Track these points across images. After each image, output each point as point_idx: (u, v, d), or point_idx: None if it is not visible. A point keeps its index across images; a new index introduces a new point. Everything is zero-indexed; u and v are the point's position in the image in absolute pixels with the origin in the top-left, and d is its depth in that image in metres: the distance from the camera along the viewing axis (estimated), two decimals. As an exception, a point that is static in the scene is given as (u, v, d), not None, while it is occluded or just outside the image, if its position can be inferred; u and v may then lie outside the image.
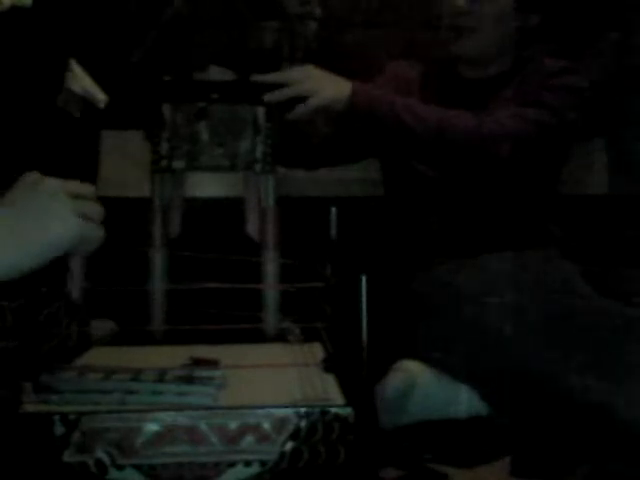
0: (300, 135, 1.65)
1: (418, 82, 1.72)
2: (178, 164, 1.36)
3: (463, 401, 1.37)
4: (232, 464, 0.86)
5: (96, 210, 0.88)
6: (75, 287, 1.01)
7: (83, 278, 1.08)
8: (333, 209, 1.19)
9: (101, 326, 1.23)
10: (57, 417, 0.85)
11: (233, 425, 0.86)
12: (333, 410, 0.88)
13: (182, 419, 0.86)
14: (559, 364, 1.30)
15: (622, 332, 1.32)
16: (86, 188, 0.88)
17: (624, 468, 1.23)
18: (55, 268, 1.03)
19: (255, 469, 0.86)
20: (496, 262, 1.44)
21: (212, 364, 1.05)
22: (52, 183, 0.85)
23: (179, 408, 0.88)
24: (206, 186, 1.70)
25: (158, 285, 1.33)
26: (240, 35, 1.52)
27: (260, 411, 0.87)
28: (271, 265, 1.35)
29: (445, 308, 1.40)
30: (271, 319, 1.33)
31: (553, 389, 1.30)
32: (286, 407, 0.88)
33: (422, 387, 1.37)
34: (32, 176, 0.85)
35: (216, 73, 1.40)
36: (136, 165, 1.51)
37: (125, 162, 1.73)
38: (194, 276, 1.21)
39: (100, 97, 1.33)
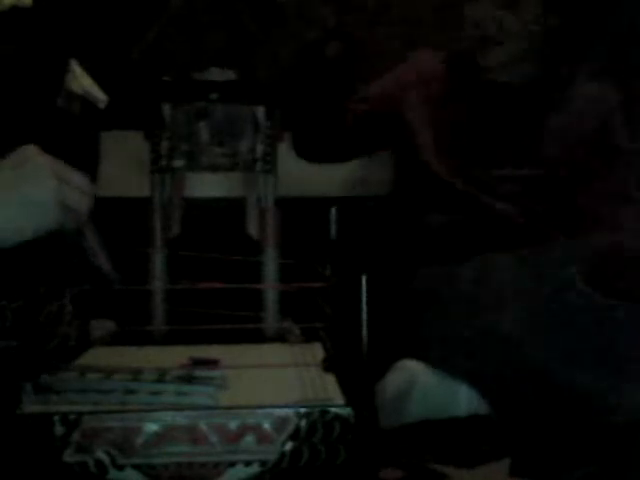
0: (326, 127, 1.65)
1: (443, 77, 1.66)
2: (178, 164, 1.36)
3: (463, 401, 1.37)
4: (232, 464, 0.86)
5: (79, 180, 0.87)
6: (102, 260, 1.00)
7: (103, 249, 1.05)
8: (333, 209, 1.19)
9: (101, 326, 1.23)
10: (57, 417, 0.85)
11: (233, 425, 0.86)
12: (333, 410, 0.88)
13: (182, 419, 0.86)
14: (559, 364, 1.30)
15: (622, 332, 1.32)
16: (77, 178, 0.87)
17: (622, 469, 1.23)
18: (55, 268, 1.03)
19: (255, 469, 0.86)
20: (497, 262, 1.43)
21: (212, 364, 1.05)
22: (41, 159, 0.84)
23: (179, 408, 0.88)
24: (206, 186, 1.70)
25: (158, 285, 1.33)
26: (243, 37, 1.52)
27: (260, 411, 0.87)
28: (271, 265, 1.35)
29: (445, 309, 1.39)
30: (271, 319, 1.33)
31: (553, 389, 1.30)
32: (286, 407, 0.88)
33: (422, 387, 1.37)
34: (28, 150, 0.85)
35: (216, 73, 1.40)
36: (136, 165, 1.51)
37: (125, 162, 1.73)
38: (194, 276, 1.22)
39: (100, 97, 1.33)
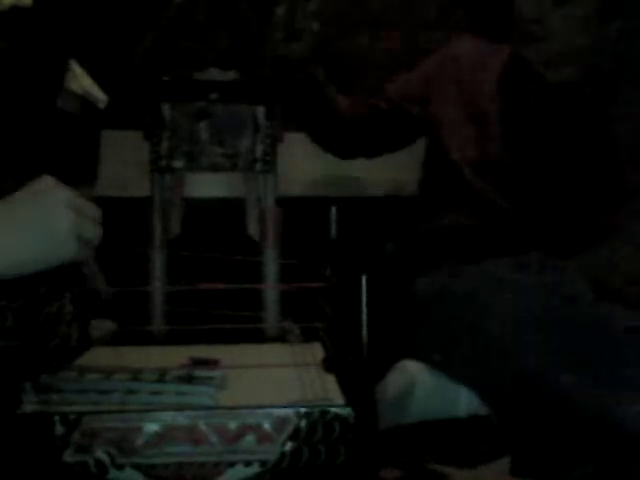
0: (334, 119, 1.65)
1: (481, 68, 1.62)
2: (178, 164, 1.36)
3: (463, 401, 1.37)
4: (232, 464, 0.86)
5: (93, 211, 0.87)
6: (100, 284, 1.00)
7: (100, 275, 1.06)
8: (333, 209, 1.19)
9: (101, 326, 1.23)
10: (57, 417, 0.85)
11: (233, 425, 0.86)
12: (333, 410, 0.88)
13: (182, 419, 0.86)
14: (558, 368, 1.30)
15: (622, 337, 1.32)
16: (91, 209, 0.88)
17: (621, 469, 1.23)
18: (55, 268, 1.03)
19: (255, 469, 0.86)
20: (497, 266, 1.42)
21: (212, 364, 1.05)
22: (58, 192, 0.84)
23: (179, 408, 0.88)
24: (206, 186, 1.70)
25: (158, 285, 1.33)
26: (242, 36, 1.52)
27: (260, 411, 0.87)
28: (271, 265, 1.35)
29: (445, 314, 1.39)
30: (271, 319, 1.33)
31: (552, 393, 1.30)
32: (286, 407, 0.88)
33: (422, 387, 1.37)
34: (45, 181, 0.85)
35: (216, 73, 1.40)
36: (136, 165, 1.51)
37: (125, 162, 1.73)
38: (194, 276, 1.21)
39: (100, 97, 1.33)
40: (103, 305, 1.00)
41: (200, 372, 0.99)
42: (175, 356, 1.08)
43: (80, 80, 1.29)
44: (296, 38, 1.45)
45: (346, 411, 0.88)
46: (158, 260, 1.35)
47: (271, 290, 1.34)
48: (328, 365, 1.05)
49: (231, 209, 1.43)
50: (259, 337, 1.31)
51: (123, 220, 1.37)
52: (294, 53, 1.46)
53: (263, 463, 0.87)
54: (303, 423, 0.87)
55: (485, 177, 1.55)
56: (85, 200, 0.87)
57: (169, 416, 0.86)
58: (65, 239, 0.83)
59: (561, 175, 1.52)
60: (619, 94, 1.54)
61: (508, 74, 1.60)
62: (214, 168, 1.38)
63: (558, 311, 1.34)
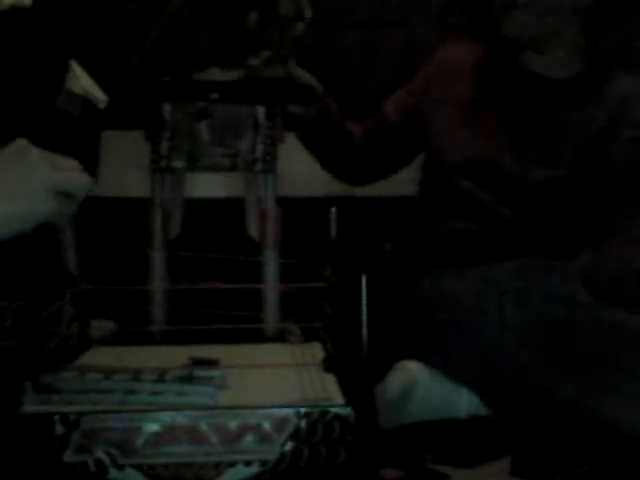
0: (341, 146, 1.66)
1: (474, 70, 1.61)
2: (178, 164, 1.36)
3: (463, 401, 1.37)
4: (232, 464, 0.86)
5: (71, 165, 0.86)
6: (70, 259, 1.00)
7: (75, 249, 1.05)
8: (333, 209, 1.19)
9: (101, 326, 1.23)
10: (57, 417, 0.85)
11: (233, 425, 0.87)
12: (333, 410, 0.88)
13: (182, 419, 0.86)
14: (558, 370, 1.30)
15: (621, 342, 1.32)
16: (70, 163, 0.86)
17: (618, 470, 1.23)
18: (55, 267, 1.04)
19: (255, 469, 0.87)
20: (497, 270, 1.42)
21: (212, 364, 1.05)
22: (33, 151, 0.83)
23: (179, 408, 0.88)
24: (206, 186, 1.70)
25: (158, 285, 1.33)
26: (241, 36, 1.52)
27: (260, 411, 0.87)
28: (271, 265, 1.35)
29: (446, 313, 1.39)
30: (271, 319, 1.33)
31: (551, 395, 1.30)
32: (286, 407, 0.88)
33: (422, 387, 1.37)
34: (18, 143, 0.84)
35: (216, 73, 1.40)
36: (136, 165, 1.51)
37: (125, 162, 1.73)
38: (194, 276, 1.22)
39: (100, 97, 1.33)
40: (69, 285, 0.99)
41: (200, 372, 0.99)
42: (175, 356, 1.08)
43: (80, 80, 1.29)
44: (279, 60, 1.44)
45: (346, 411, 0.88)
46: (158, 260, 1.35)
47: (271, 290, 1.34)
48: (328, 365, 1.05)
49: (231, 209, 1.43)
50: (259, 337, 1.31)
51: (123, 220, 1.37)
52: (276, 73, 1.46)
53: (263, 463, 0.87)
54: (303, 423, 0.87)
55: (482, 181, 1.55)
56: (63, 157, 0.85)
57: (169, 416, 0.86)
58: (41, 193, 0.82)
59: (560, 177, 1.51)
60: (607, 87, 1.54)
61: (506, 75, 1.60)
62: (214, 168, 1.38)
63: (558, 314, 1.34)
